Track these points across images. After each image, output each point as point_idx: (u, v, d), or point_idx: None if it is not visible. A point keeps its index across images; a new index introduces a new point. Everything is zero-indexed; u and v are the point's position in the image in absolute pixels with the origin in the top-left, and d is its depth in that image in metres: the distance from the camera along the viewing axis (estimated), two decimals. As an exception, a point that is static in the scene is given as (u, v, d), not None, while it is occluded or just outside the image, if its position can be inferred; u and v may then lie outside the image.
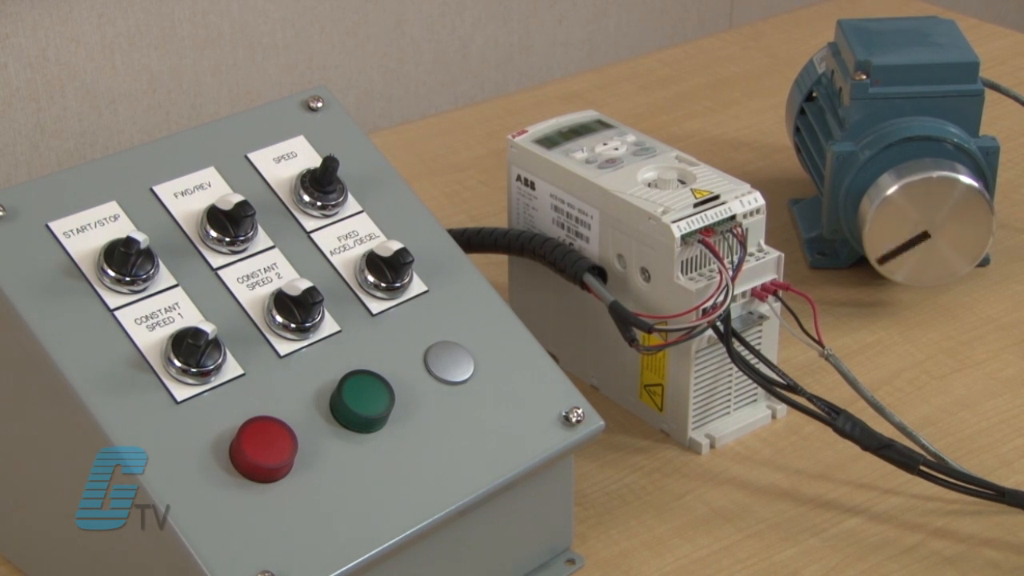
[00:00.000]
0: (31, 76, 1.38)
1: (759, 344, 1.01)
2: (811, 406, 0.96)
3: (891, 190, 1.12)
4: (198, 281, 0.85)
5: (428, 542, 0.83)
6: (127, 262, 0.82)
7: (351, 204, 0.91)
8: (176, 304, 0.83)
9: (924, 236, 1.13)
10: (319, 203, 0.90)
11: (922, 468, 0.95)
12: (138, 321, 0.82)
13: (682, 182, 1.01)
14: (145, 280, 0.83)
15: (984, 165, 1.15)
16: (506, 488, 0.85)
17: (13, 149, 1.40)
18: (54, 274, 0.82)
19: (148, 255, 0.83)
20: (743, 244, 0.98)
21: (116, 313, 0.82)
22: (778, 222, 1.26)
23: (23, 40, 1.37)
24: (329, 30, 1.55)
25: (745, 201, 0.99)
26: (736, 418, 1.03)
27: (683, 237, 0.96)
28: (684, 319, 0.96)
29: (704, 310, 0.96)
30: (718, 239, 0.98)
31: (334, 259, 0.89)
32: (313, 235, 0.90)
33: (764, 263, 1.00)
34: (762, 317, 1.01)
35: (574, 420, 0.88)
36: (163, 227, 0.86)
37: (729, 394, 1.02)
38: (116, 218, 0.85)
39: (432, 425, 0.85)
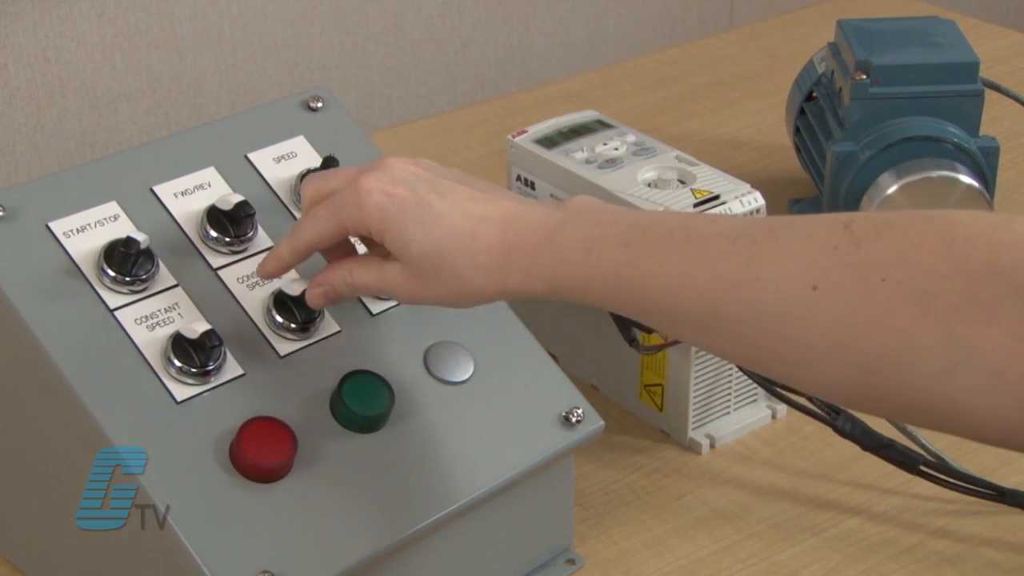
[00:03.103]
0: (31, 76, 1.38)
1: (759, 344, 1.01)
2: (811, 406, 0.96)
3: (891, 190, 1.12)
4: (198, 281, 0.85)
5: (428, 542, 0.83)
6: (127, 262, 0.82)
7: (351, 204, 0.91)
8: (176, 304, 0.83)
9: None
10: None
11: (922, 468, 0.95)
12: (138, 321, 0.82)
13: (682, 182, 1.01)
14: (145, 280, 0.83)
15: (984, 165, 1.15)
16: (506, 488, 0.85)
17: (13, 149, 1.40)
18: (54, 274, 0.82)
19: (148, 255, 0.83)
20: (743, 244, 0.98)
21: (116, 313, 0.82)
22: (778, 222, 1.26)
23: (23, 40, 1.37)
24: (329, 30, 1.55)
25: (745, 201, 0.99)
26: (736, 418, 1.03)
27: (683, 237, 0.96)
28: (684, 319, 0.96)
29: (704, 310, 0.96)
30: (718, 239, 0.97)
31: (334, 259, 0.89)
32: (313, 235, 0.89)
33: (764, 263, 1.00)
34: (762, 317, 1.01)
35: (574, 420, 0.88)
36: (163, 227, 0.86)
37: (729, 394, 1.02)
38: (116, 218, 0.85)
39: (432, 425, 0.85)
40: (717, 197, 0.98)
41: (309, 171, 0.90)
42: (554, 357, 0.94)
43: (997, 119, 1.36)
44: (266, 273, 0.83)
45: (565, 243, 0.75)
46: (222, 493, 0.78)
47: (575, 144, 1.05)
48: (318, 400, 0.83)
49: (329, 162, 0.89)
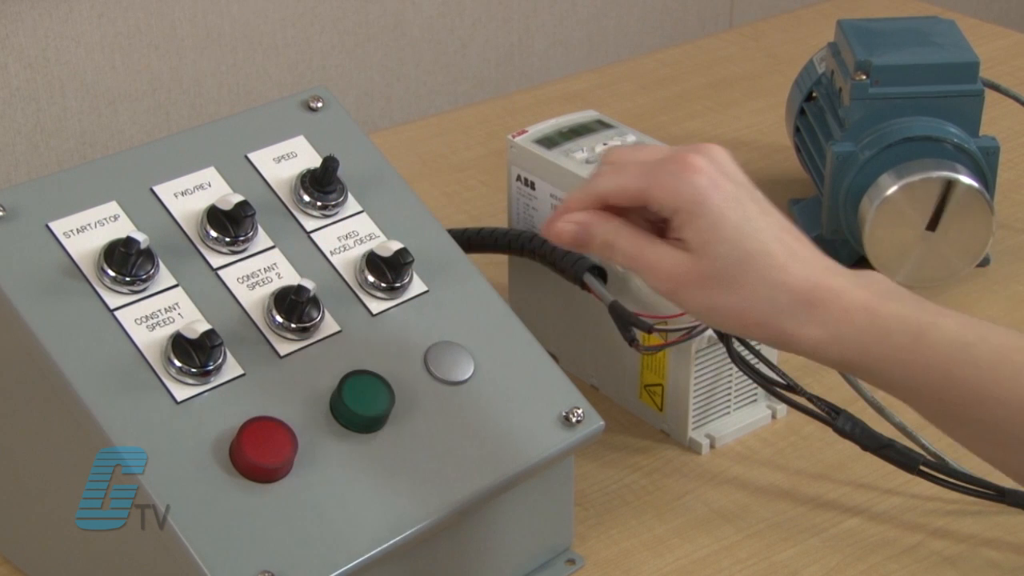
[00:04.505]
0: (31, 76, 1.38)
1: (759, 344, 1.01)
2: (811, 406, 0.96)
3: (891, 190, 1.12)
4: (198, 281, 0.85)
5: (428, 542, 0.83)
6: (127, 262, 0.82)
7: (351, 204, 0.91)
8: (176, 304, 0.83)
9: (925, 236, 1.13)
10: (319, 203, 0.90)
11: (922, 468, 0.94)
12: (138, 321, 0.82)
13: (682, 182, 1.00)
14: (145, 280, 0.83)
15: (984, 165, 1.15)
16: (506, 488, 0.85)
17: (13, 149, 1.40)
18: (54, 274, 0.82)
19: (148, 255, 0.83)
20: (743, 244, 0.98)
21: (116, 313, 0.82)
22: (778, 222, 1.26)
23: (23, 40, 1.37)
24: (329, 30, 1.55)
25: (745, 201, 0.99)
26: (736, 418, 1.03)
27: (683, 237, 0.96)
28: (684, 319, 0.96)
29: (704, 310, 0.96)
30: (718, 239, 0.97)
31: (334, 259, 0.89)
32: (313, 235, 0.89)
33: (764, 263, 1.00)
34: (762, 317, 1.01)
35: (574, 420, 0.88)
36: (163, 227, 0.86)
37: (729, 394, 1.02)
38: (116, 218, 0.85)
39: (432, 425, 0.85)
40: (717, 197, 0.98)
41: (309, 171, 0.90)
42: (554, 357, 0.94)
43: (997, 119, 1.36)
44: (555, 231, 0.77)
45: (891, 320, 0.71)
46: (222, 493, 0.78)
47: (575, 144, 1.05)
48: (318, 400, 0.83)
49: (329, 162, 0.89)
